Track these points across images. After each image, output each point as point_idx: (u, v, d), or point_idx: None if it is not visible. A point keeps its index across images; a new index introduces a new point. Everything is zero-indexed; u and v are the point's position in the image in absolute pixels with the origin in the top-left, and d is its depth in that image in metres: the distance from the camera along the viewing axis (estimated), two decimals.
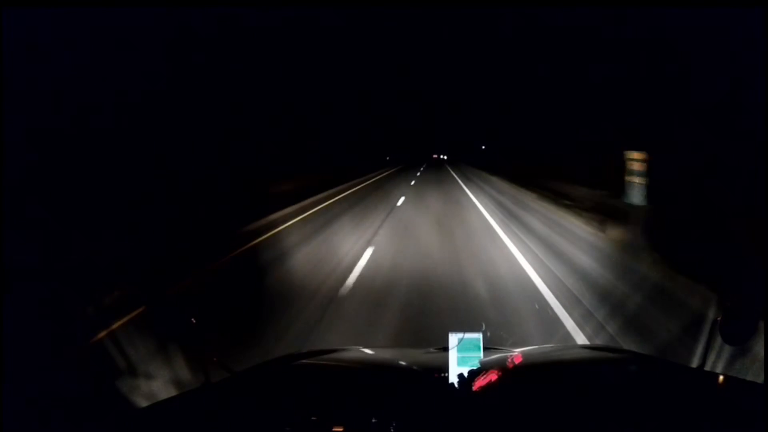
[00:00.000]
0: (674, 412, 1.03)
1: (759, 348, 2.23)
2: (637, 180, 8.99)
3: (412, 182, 21.68)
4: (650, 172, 8.80)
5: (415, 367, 1.47)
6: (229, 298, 4.73)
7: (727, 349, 1.43)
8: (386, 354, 1.96)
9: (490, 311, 4.04)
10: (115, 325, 3.97)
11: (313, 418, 1.05)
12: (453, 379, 1.29)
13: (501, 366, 1.43)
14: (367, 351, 2.07)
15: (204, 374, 1.36)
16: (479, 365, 1.38)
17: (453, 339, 1.48)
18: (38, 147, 8.02)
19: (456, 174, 28.46)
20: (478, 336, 1.46)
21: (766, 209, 5.54)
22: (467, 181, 21.89)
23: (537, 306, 4.18)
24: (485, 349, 1.54)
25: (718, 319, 1.30)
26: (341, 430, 0.98)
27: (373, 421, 1.03)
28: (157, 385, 2.88)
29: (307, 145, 25.41)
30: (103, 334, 3.83)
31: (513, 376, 1.38)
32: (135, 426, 1.09)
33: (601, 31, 13.96)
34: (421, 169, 37.26)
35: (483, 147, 61.13)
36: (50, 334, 3.81)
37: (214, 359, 1.41)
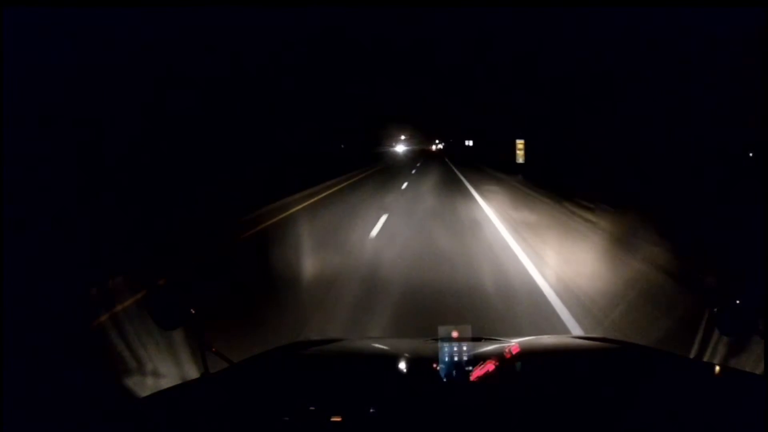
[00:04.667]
0: (672, 401, 1.03)
1: (758, 339, 2.23)
2: None
3: None
4: None
5: (413, 358, 1.48)
6: None
7: (725, 341, 1.43)
8: (384, 344, 1.96)
9: None
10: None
11: (311, 408, 1.05)
12: (450, 369, 1.29)
13: (498, 356, 1.44)
14: (366, 341, 2.09)
15: (203, 364, 1.37)
16: (476, 356, 1.39)
17: (442, 331, 1.50)
18: None
19: None
20: (468, 327, 1.48)
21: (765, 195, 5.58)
22: None
23: None
24: (481, 339, 1.55)
25: (716, 310, 1.30)
26: (339, 419, 0.98)
27: (371, 411, 1.03)
28: (155, 375, 2.90)
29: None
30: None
31: (510, 366, 1.38)
32: (133, 416, 1.09)
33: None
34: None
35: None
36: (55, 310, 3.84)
37: (213, 349, 1.42)
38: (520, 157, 21.16)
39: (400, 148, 75.76)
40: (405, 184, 17.29)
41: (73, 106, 10.23)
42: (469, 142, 54.49)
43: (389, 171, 26.91)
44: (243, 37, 21.03)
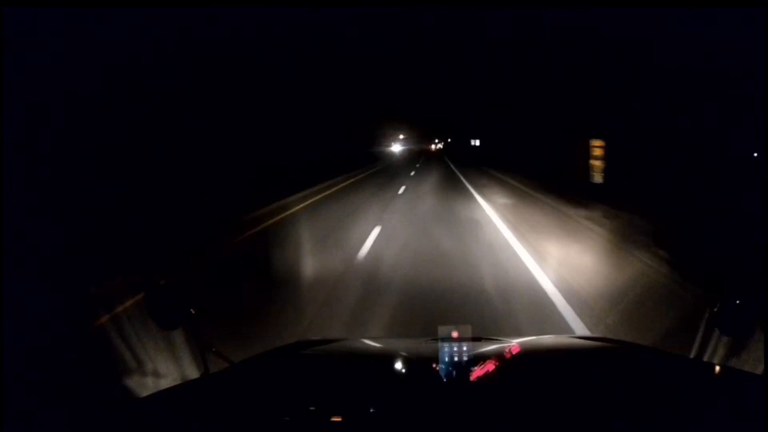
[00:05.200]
0: (672, 401, 1.03)
1: (758, 339, 2.23)
2: None
3: None
4: None
5: (413, 358, 1.47)
6: None
7: (725, 341, 1.43)
8: (385, 344, 1.96)
9: None
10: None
11: (311, 408, 1.05)
12: (449, 369, 1.29)
13: (498, 356, 1.44)
14: (366, 341, 2.08)
15: (203, 364, 1.37)
16: (476, 356, 1.39)
17: (442, 331, 1.50)
18: None
19: None
20: (468, 327, 1.48)
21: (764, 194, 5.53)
22: None
23: None
24: (481, 339, 1.55)
25: (715, 309, 1.29)
26: (340, 420, 0.98)
27: (371, 411, 1.03)
28: (155, 375, 2.90)
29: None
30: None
31: (510, 367, 1.38)
32: (133, 416, 1.09)
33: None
34: None
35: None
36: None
37: (213, 349, 1.42)
38: (597, 172, 11.69)
39: (397, 148, 70.31)
40: (376, 229, 7.82)
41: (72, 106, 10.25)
42: (476, 142, 49.48)
43: (371, 182, 18.96)
44: (240, 37, 20.81)
